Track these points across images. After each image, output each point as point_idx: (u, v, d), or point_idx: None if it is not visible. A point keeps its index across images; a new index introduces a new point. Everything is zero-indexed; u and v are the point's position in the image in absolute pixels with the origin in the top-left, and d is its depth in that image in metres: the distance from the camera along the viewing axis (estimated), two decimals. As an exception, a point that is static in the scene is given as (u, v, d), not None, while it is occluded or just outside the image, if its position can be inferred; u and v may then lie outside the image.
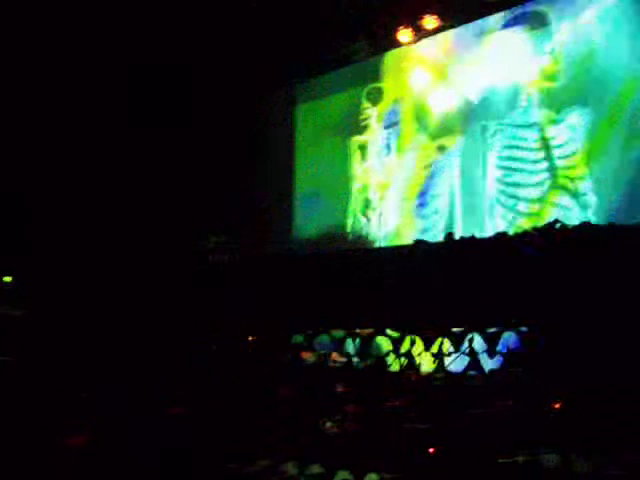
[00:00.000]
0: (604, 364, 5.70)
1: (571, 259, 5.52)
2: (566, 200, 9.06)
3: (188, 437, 7.20)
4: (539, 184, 9.31)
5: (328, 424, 6.94)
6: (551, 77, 9.27)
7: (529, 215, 9.33)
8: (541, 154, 9.35)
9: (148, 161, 10.71)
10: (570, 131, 8.99)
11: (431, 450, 6.25)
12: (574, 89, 9.15)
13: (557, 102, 9.22)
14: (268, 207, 11.38)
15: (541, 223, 7.42)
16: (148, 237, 10.37)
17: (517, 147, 9.60)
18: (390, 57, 10.99)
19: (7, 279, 9.99)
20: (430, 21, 10.17)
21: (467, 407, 6.41)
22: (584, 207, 8.86)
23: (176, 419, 7.46)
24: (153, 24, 10.34)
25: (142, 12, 10.02)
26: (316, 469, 6.60)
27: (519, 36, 9.65)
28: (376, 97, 11.14)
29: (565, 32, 9.26)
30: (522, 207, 9.43)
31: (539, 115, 9.34)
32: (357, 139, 11.27)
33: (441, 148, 10.26)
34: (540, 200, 9.27)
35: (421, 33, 10.33)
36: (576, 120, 8.97)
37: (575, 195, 8.97)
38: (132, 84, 10.69)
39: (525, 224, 8.91)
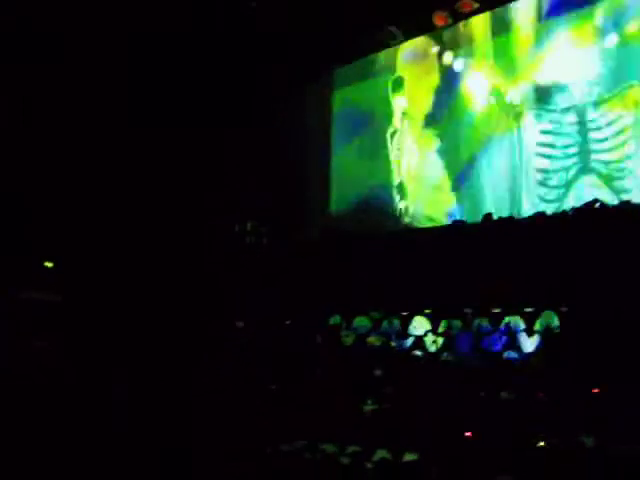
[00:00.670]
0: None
1: (612, 238, 5.50)
2: (598, 184, 8.90)
3: (227, 417, 7.31)
4: (567, 169, 9.18)
5: (366, 405, 7.00)
6: (604, 54, 8.91)
7: (555, 201, 9.20)
8: (573, 139, 9.21)
9: (187, 148, 10.76)
10: (622, 109, 8.65)
11: (468, 434, 6.29)
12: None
13: (609, 80, 8.90)
14: (306, 189, 11.41)
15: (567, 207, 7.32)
16: (185, 223, 10.43)
17: (552, 132, 9.49)
18: (415, 44, 10.90)
19: (48, 264, 10.10)
20: (466, 4, 10.05)
21: (503, 389, 6.43)
22: (618, 191, 8.70)
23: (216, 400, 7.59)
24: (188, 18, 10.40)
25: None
26: (355, 448, 6.67)
27: (565, 17, 9.35)
28: (400, 86, 11.11)
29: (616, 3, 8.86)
30: (548, 194, 9.32)
31: (583, 97, 9.09)
32: (392, 124, 11.26)
33: (479, 134, 10.17)
34: (568, 185, 9.14)
35: (457, 16, 10.21)
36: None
37: (608, 179, 8.82)
38: (163, 80, 10.71)
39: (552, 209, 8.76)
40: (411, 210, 10.78)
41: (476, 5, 9.90)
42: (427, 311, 6.70)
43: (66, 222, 10.00)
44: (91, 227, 10.06)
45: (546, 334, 6.18)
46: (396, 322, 7.03)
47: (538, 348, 6.56)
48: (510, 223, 6.09)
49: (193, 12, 10.32)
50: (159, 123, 10.53)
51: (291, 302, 7.70)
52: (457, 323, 6.76)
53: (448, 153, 10.61)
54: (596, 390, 5.95)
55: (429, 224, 10.18)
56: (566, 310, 5.92)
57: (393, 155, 11.11)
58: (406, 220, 10.74)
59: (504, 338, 6.54)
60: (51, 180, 10.00)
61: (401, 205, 10.89)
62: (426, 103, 10.92)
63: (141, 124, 10.51)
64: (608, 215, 5.55)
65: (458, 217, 9.50)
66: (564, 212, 5.89)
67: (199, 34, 10.56)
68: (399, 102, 11.21)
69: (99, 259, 10.02)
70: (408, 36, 10.58)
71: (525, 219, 6.15)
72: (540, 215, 5.96)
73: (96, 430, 7.51)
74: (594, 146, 8.99)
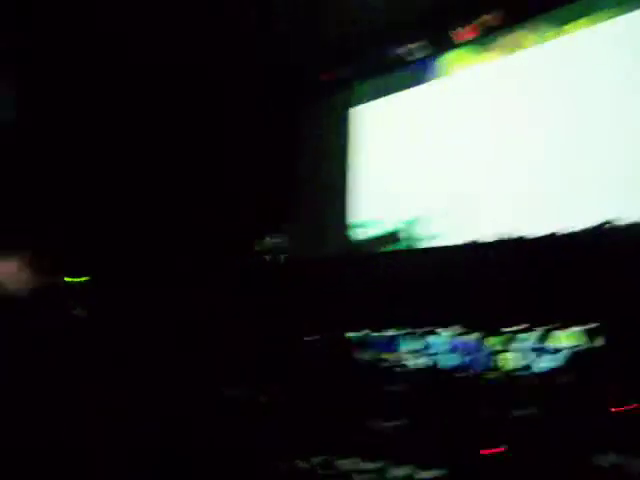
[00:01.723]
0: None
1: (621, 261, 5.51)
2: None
3: (246, 433, 7.39)
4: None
5: (382, 422, 7.04)
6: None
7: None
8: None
9: (207, 161, 10.80)
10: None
11: (485, 452, 6.30)
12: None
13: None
14: (326, 206, 11.41)
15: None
16: (206, 237, 10.46)
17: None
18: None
19: (79, 280, 10.23)
20: (491, 19, 9.98)
21: (520, 407, 6.43)
22: None
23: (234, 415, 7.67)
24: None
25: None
26: (370, 465, 6.71)
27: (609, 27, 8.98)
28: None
29: None
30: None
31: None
32: (414, 140, 11.21)
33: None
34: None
35: (482, 31, 10.13)
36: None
37: None
38: (180, 85, 10.75)
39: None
40: (434, 230, 10.74)
41: (499, 21, 9.83)
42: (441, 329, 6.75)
43: (64, 225, 10.13)
44: (92, 235, 10.16)
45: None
46: (411, 340, 7.08)
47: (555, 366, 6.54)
48: (517, 242, 6.12)
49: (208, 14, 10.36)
50: (163, 124, 10.61)
51: (306, 318, 7.79)
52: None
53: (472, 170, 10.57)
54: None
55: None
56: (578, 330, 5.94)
57: (417, 174, 11.07)
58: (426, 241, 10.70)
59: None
60: (49, 181, 10.13)
61: (424, 224, 10.83)
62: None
63: (142, 125, 10.60)
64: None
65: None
66: (572, 232, 5.89)
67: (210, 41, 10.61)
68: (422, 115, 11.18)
69: (102, 267, 10.11)
70: (430, 53, 10.56)
71: (536, 239, 6.15)
72: (552, 235, 5.98)
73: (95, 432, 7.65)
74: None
